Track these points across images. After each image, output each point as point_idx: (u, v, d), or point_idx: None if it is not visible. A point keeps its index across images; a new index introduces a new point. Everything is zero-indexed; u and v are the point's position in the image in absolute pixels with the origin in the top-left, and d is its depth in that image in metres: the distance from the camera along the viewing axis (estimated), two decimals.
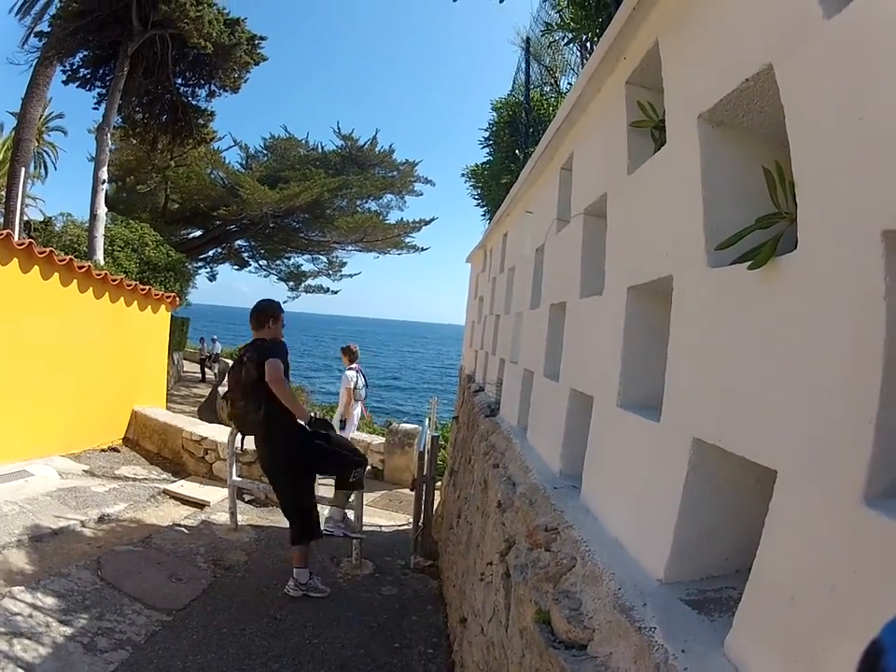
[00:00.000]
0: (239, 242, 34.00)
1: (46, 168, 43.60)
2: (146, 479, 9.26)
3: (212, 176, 30.41)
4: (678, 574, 1.63)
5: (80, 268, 9.48)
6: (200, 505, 8.45)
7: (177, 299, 12.90)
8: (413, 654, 5.17)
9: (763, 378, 1.33)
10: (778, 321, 1.29)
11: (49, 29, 19.22)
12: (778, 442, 1.25)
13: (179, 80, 22.81)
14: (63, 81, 21.34)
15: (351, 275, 35.83)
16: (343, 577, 6.63)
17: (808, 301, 1.20)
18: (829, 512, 1.08)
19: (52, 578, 5.56)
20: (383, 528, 9.39)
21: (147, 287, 11.56)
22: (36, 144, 29.99)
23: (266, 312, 5.99)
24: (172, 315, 12.84)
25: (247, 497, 9.02)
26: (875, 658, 0.54)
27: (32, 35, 19.70)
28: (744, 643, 1.26)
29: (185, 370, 25.60)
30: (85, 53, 20.84)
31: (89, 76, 21.76)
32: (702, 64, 1.73)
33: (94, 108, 22.38)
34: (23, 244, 8.28)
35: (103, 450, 10.28)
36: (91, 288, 9.88)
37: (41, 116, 26.98)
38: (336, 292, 35.16)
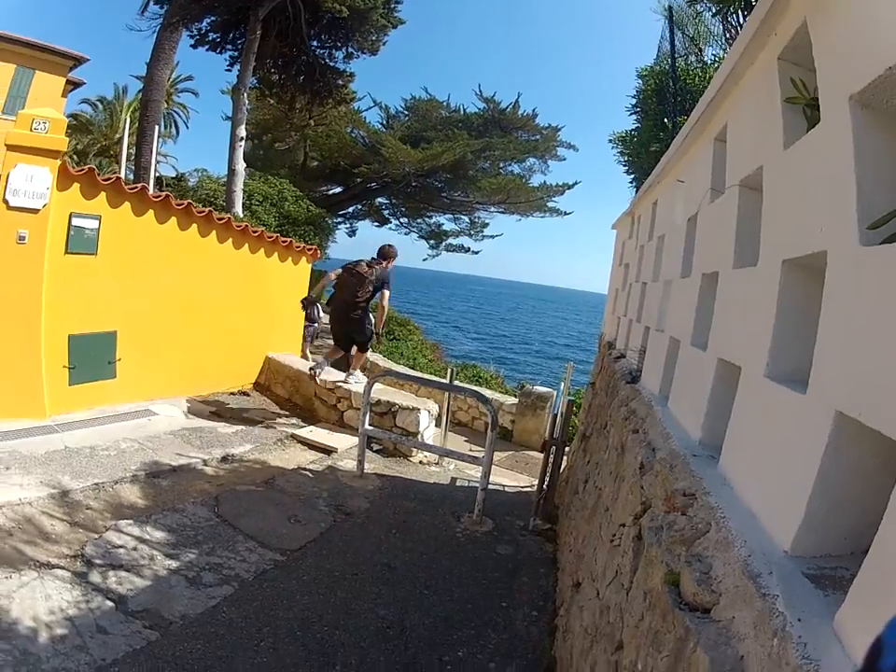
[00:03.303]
0: (380, 199, 34.63)
1: (177, 128, 45.64)
2: (274, 423, 9.55)
3: (352, 135, 31.06)
4: (802, 548, 1.64)
5: (220, 219, 9.88)
6: (327, 451, 8.67)
7: (318, 251, 13.19)
8: (517, 615, 5.21)
9: None
10: None
11: None
12: None
13: (315, 43, 23.33)
14: (191, 45, 22.26)
15: (493, 236, 35.89)
16: (462, 532, 6.67)
17: None
18: None
19: (165, 513, 5.76)
20: (506, 488, 9.48)
21: (288, 239, 11.86)
22: (166, 105, 31.01)
23: (388, 251, 9.42)
24: (312, 268, 13.11)
25: (376, 447, 9.22)
26: (874, 658, 0.55)
27: (152, 2, 20.49)
28: (851, 618, 1.27)
29: (324, 322, 26.13)
30: (212, 18, 21.48)
31: (218, 39, 22.54)
32: (848, 48, 1.71)
33: (227, 70, 23.33)
34: (159, 196, 8.70)
35: (233, 393, 10.71)
36: (231, 239, 10.27)
37: (169, 78, 27.97)
38: (477, 252, 35.44)
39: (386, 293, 9.24)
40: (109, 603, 4.28)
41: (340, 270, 9.30)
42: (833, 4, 1.78)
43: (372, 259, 9.28)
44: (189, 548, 5.24)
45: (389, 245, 9.45)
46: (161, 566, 4.89)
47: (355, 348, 9.98)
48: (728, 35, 5.39)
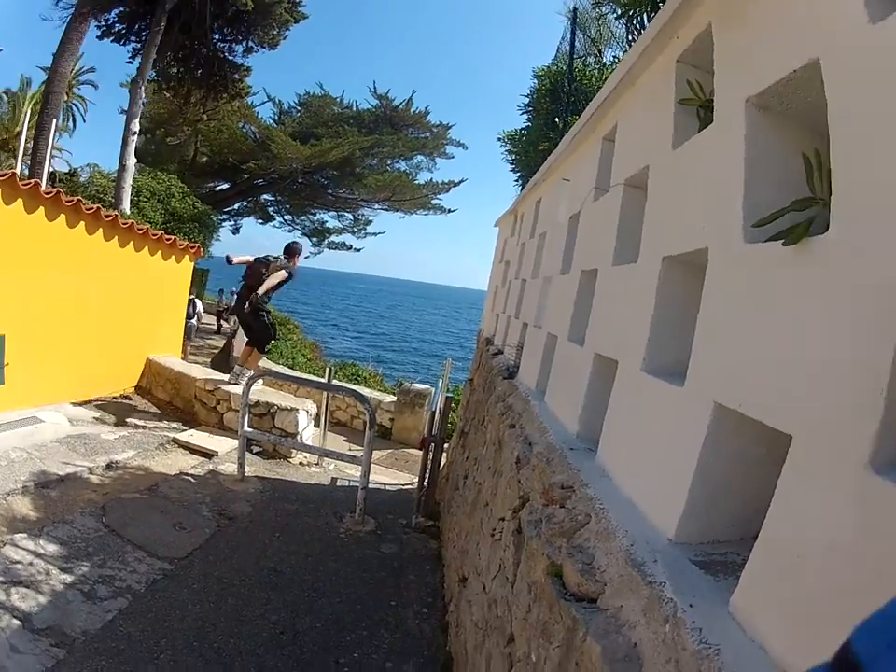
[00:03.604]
0: (265, 196, 34.30)
1: (74, 121, 43.99)
2: (156, 427, 9.29)
3: (244, 130, 30.58)
4: (687, 535, 1.68)
5: (107, 216, 9.47)
6: (208, 454, 8.50)
7: (201, 249, 12.88)
8: (408, 613, 5.23)
9: (786, 348, 1.37)
10: (805, 296, 1.34)
11: None
12: (795, 409, 1.29)
13: (217, 36, 22.87)
14: (97, 37, 21.49)
15: (375, 234, 35.89)
16: (346, 532, 6.64)
17: (835, 280, 1.25)
18: (838, 477, 1.13)
19: (56, 525, 5.56)
20: (387, 486, 9.53)
21: (172, 237, 11.53)
22: (66, 98, 30.14)
23: (294, 248, 9.87)
24: (194, 266, 12.81)
25: (256, 449, 9.10)
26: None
27: None
28: (749, 601, 1.31)
29: (201, 321, 25.68)
30: (121, 9, 20.86)
31: (124, 31, 21.81)
32: (752, 51, 1.76)
33: (128, 62, 22.53)
34: (50, 193, 8.26)
35: (115, 398, 10.31)
36: (117, 237, 9.88)
37: (73, 70, 27.00)
38: (359, 250, 35.40)
39: (284, 274, 9.38)
40: (16, 621, 4.15)
41: (251, 259, 9.77)
42: (742, 10, 1.83)
43: (279, 255, 9.74)
44: (81, 560, 5.08)
45: (295, 242, 9.97)
46: (58, 580, 4.74)
47: (245, 346, 10.35)
48: (631, 38, 5.53)
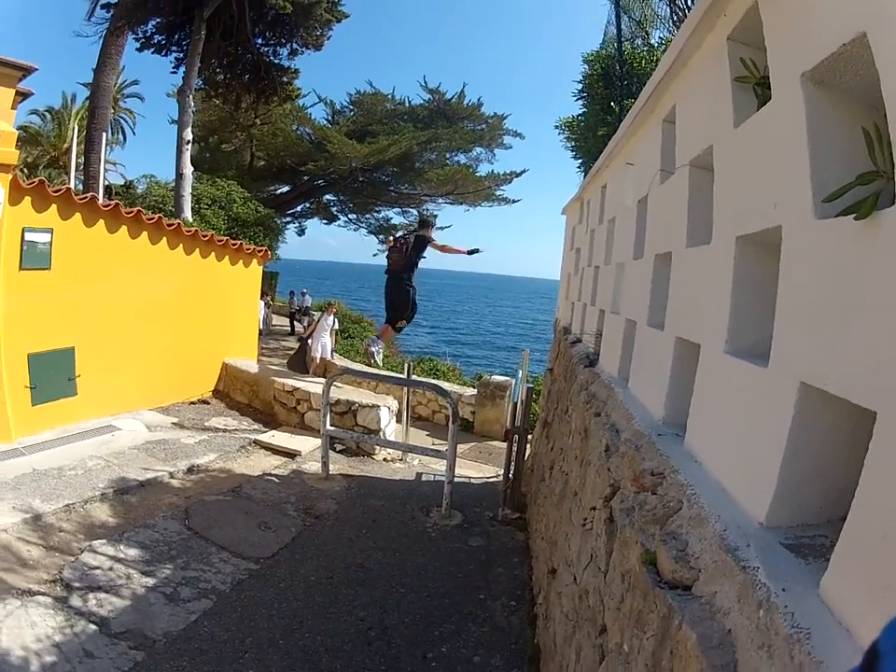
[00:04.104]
0: (327, 196, 34.27)
1: (124, 134, 45.19)
2: (236, 430, 9.50)
3: (298, 133, 30.69)
4: (777, 518, 1.66)
5: (169, 225, 9.74)
6: (291, 454, 8.66)
7: (268, 253, 13.07)
8: (496, 606, 5.25)
9: (866, 323, 1.34)
10: (878, 269, 1.31)
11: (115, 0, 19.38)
12: (879, 385, 1.25)
13: (259, 40, 22.94)
14: (136, 49, 21.69)
15: (442, 228, 35.46)
16: (433, 527, 6.70)
17: None
18: None
19: (137, 529, 5.72)
20: (472, 480, 9.49)
21: (238, 242, 11.77)
22: (112, 111, 30.70)
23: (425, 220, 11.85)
24: (263, 269, 13.04)
25: (339, 447, 9.20)
26: (871, 663, 0.57)
27: (98, 6, 20.09)
28: (837, 584, 1.29)
29: (273, 323, 25.96)
30: (157, 20, 21.05)
31: (163, 42, 22.05)
32: (801, 26, 1.72)
33: (172, 72, 22.85)
34: (109, 205, 8.53)
35: (192, 402, 10.61)
36: (182, 245, 10.14)
37: (115, 83, 27.45)
38: None
39: (436, 243, 11.05)
40: (93, 626, 4.26)
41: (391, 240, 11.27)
42: None
43: (414, 230, 11.30)
44: (163, 563, 5.21)
45: (426, 215, 11.58)
46: (139, 584, 4.86)
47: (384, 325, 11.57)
48: (675, 18, 5.44)
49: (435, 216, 12.26)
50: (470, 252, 11.34)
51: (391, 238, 11.25)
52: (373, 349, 11.24)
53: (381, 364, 12.19)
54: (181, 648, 4.20)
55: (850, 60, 1.48)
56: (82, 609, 4.41)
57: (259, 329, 15.20)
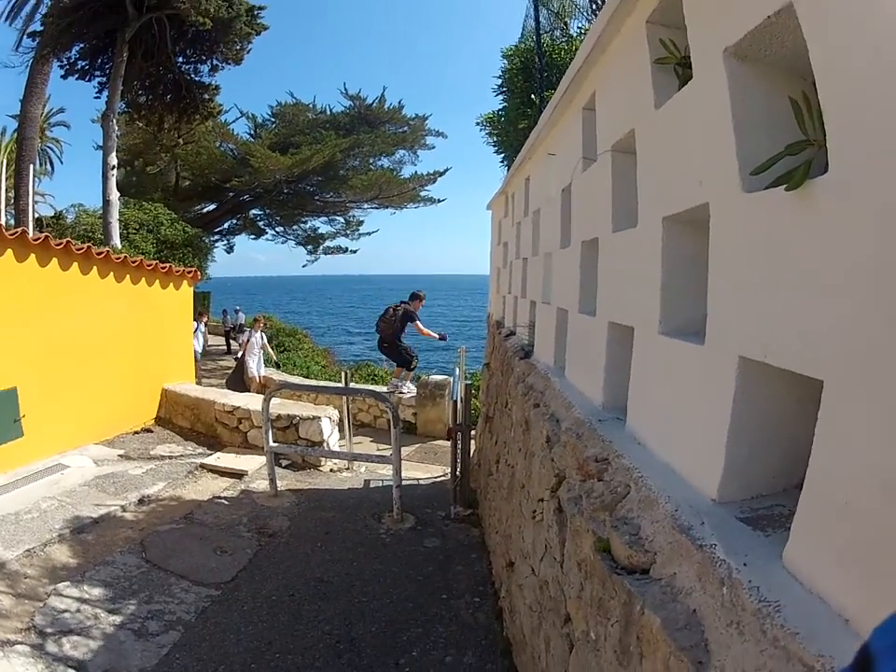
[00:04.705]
0: (254, 211, 34.29)
1: (52, 164, 44.63)
2: (181, 455, 9.34)
3: (222, 149, 30.60)
4: (730, 493, 1.67)
5: (99, 254, 9.48)
6: (238, 475, 8.54)
7: (198, 273, 12.90)
8: (460, 604, 5.24)
9: (806, 293, 1.34)
10: (813, 238, 1.32)
11: (41, 28, 19.36)
12: (821, 353, 1.27)
13: (180, 59, 22.80)
14: (61, 76, 21.55)
15: (369, 233, 35.96)
16: (387, 532, 6.67)
17: (842, 219, 1.22)
18: (876, 417, 1.10)
19: (97, 567, 5.61)
20: (420, 481, 9.47)
21: (168, 265, 11.55)
22: (40, 141, 30.22)
23: (414, 294, 13.26)
24: (194, 290, 12.82)
25: (285, 462, 9.12)
26: (864, 665, 0.58)
27: (24, 36, 20.15)
28: (802, 553, 1.29)
29: (209, 343, 25.70)
30: (81, 45, 20.85)
31: (87, 67, 21.84)
32: (723, 3, 1.73)
33: (96, 97, 22.66)
34: (39, 238, 8.26)
35: (136, 432, 10.36)
36: (112, 273, 9.89)
37: (42, 113, 27.10)
38: (355, 251, 35.33)
39: (417, 323, 12.91)
40: (72, 671, 4.17)
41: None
42: None
43: (403, 302, 13.15)
44: (127, 599, 5.11)
45: (418, 290, 13.29)
46: (107, 623, 4.76)
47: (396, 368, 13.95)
48: (594, 6, 5.49)
49: (423, 292, 13.07)
50: (441, 337, 13.84)
51: (390, 309, 13.01)
52: (403, 390, 13.36)
53: (414, 390, 13.47)
54: None
55: (776, 31, 1.49)
56: (59, 655, 4.32)
57: (197, 352, 15.09)
